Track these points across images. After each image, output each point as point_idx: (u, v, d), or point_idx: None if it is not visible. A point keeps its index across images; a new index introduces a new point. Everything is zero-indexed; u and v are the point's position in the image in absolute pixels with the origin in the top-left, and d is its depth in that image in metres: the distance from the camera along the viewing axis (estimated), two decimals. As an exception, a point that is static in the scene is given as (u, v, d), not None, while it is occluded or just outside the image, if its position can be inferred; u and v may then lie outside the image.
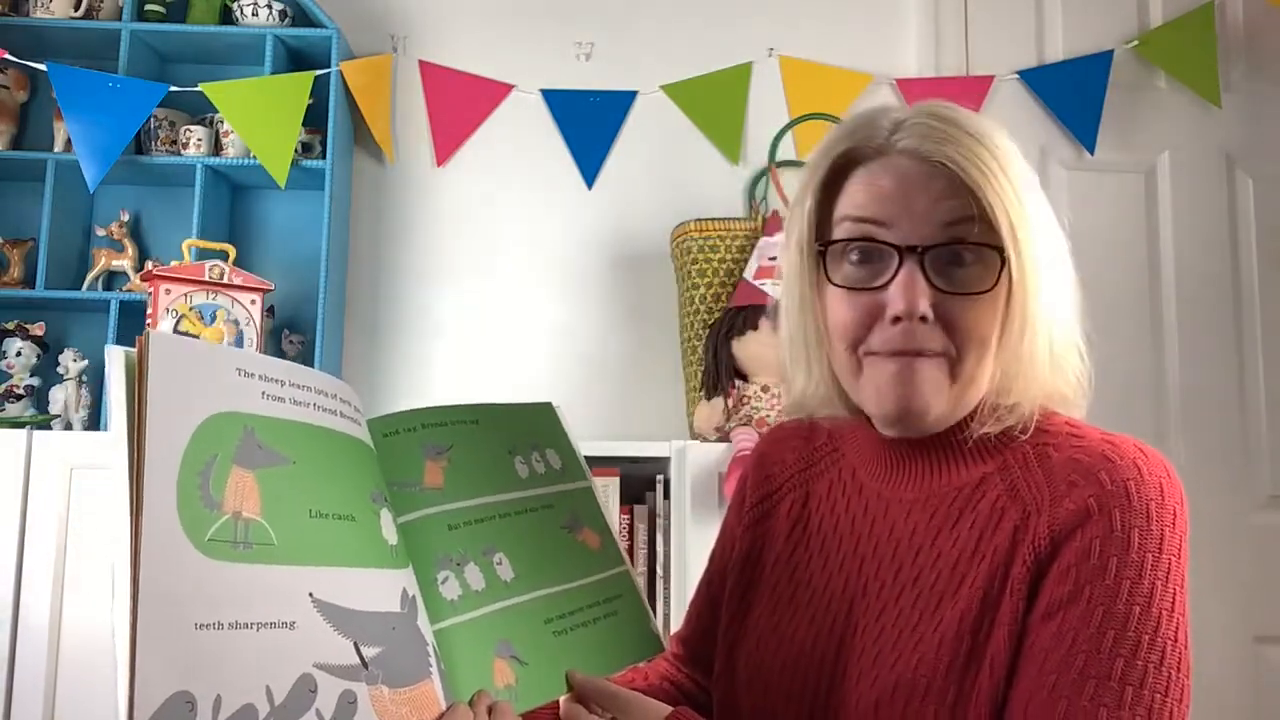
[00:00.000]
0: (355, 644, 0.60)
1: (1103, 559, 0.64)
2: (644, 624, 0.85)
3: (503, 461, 0.83)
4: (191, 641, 0.53)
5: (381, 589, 0.65)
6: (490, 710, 0.66)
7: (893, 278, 0.70)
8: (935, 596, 0.71)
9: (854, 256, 0.72)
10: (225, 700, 0.53)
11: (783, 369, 0.84)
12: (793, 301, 0.79)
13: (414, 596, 0.67)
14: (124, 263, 1.96)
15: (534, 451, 0.86)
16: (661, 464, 1.73)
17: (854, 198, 0.73)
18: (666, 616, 1.67)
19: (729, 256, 1.87)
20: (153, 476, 0.55)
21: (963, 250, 0.69)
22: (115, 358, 0.57)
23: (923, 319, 0.69)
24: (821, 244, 0.74)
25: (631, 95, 2.12)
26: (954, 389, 0.71)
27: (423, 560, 0.71)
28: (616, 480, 1.70)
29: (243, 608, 0.56)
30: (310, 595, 0.59)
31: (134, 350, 0.58)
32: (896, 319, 0.69)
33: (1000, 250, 0.68)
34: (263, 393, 0.63)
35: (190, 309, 1.73)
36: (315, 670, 0.57)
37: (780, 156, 2.05)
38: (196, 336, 1.73)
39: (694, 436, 1.83)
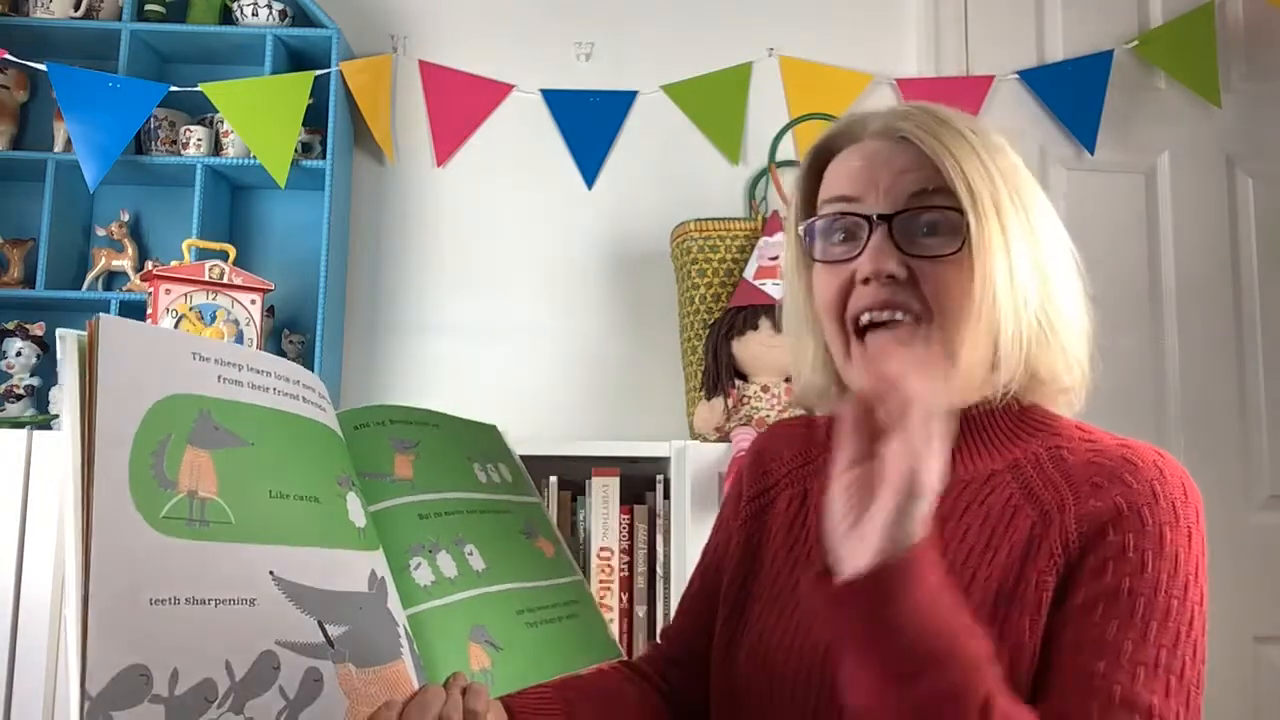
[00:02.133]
0: (319, 622, 0.60)
1: (1139, 553, 0.66)
2: (603, 629, 0.88)
3: (463, 464, 0.85)
4: (145, 616, 0.53)
5: (347, 569, 0.65)
6: (465, 691, 0.66)
7: (865, 247, 0.73)
8: None
9: (835, 236, 0.76)
10: (183, 673, 0.53)
11: (791, 362, 0.87)
12: (791, 290, 0.83)
13: (383, 578, 0.67)
14: (124, 263, 1.96)
15: (488, 463, 0.89)
16: (661, 464, 1.73)
17: (829, 181, 0.78)
18: (666, 616, 1.67)
19: (729, 256, 1.87)
20: (104, 456, 0.55)
21: (928, 216, 0.71)
22: (67, 341, 0.57)
23: (891, 278, 0.71)
24: (804, 226, 0.78)
25: (631, 95, 2.12)
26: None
27: (395, 547, 0.72)
28: (616, 480, 1.70)
29: (199, 584, 0.56)
30: (271, 573, 0.59)
31: (85, 334, 0.58)
32: (866, 280, 0.72)
33: (964, 214, 0.70)
34: (219, 376, 0.63)
35: (190, 309, 1.73)
36: (278, 647, 0.57)
37: (780, 156, 2.05)
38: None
39: (694, 436, 1.83)
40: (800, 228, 0.79)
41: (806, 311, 0.81)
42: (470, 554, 0.77)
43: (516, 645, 0.76)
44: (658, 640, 0.98)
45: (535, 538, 0.87)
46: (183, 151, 1.97)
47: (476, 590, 0.76)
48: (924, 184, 0.72)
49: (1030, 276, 0.72)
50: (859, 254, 0.73)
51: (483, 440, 0.91)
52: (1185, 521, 0.67)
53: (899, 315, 0.72)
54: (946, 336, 0.71)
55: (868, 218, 0.73)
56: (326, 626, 0.60)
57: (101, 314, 0.59)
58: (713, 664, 0.85)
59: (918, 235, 0.72)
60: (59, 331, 0.58)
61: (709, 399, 1.79)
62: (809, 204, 0.81)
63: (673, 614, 1.61)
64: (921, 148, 0.72)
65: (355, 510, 0.68)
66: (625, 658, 0.92)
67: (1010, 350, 0.71)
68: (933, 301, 0.71)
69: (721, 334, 1.79)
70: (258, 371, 0.66)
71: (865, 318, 0.74)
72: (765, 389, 1.76)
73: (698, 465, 1.67)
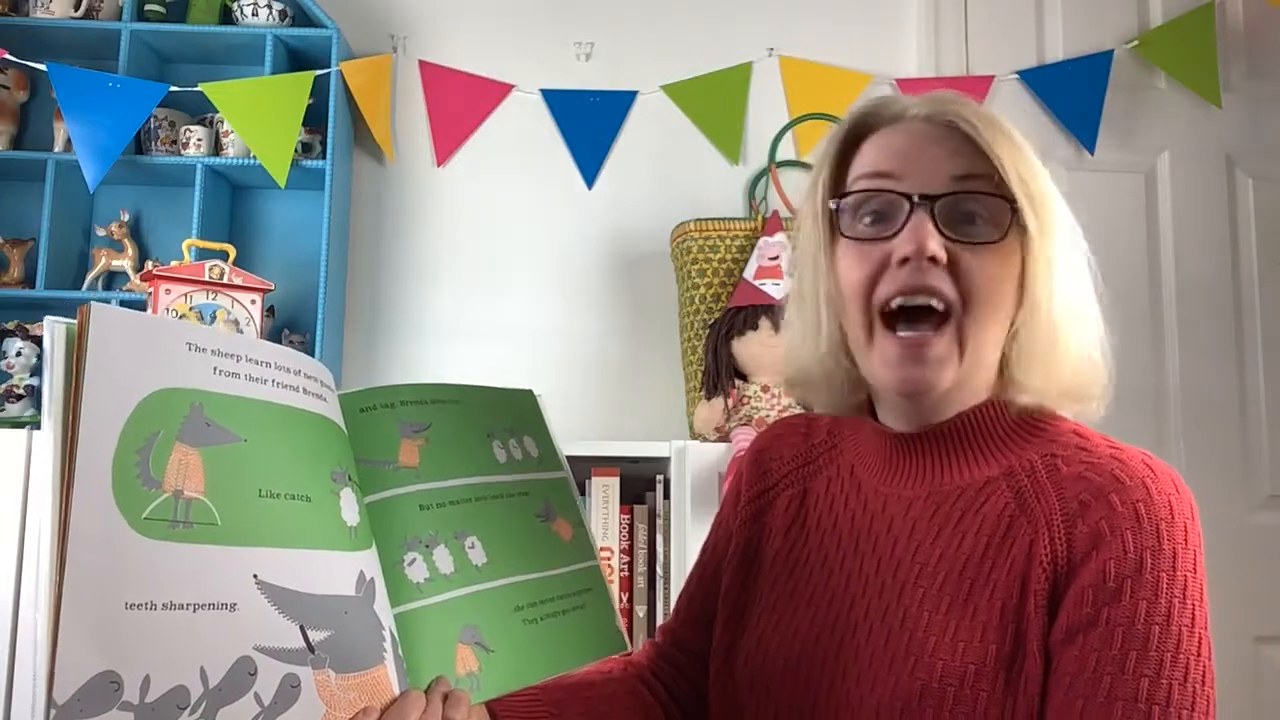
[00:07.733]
0: (301, 627, 0.58)
1: (1118, 581, 0.65)
2: (610, 621, 0.84)
3: (481, 444, 0.81)
4: (120, 621, 0.51)
5: (335, 571, 0.62)
6: (445, 698, 0.65)
7: (903, 226, 0.70)
8: (943, 599, 0.71)
9: (866, 218, 0.73)
10: (154, 681, 0.51)
11: (789, 348, 0.83)
12: (808, 271, 0.79)
13: (371, 580, 0.65)
14: (124, 263, 1.96)
15: (512, 437, 0.84)
16: (661, 464, 1.73)
17: (866, 157, 0.75)
18: (666, 616, 1.67)
19: (729, 256, 1.87)
20: (87, 453, 0.53)
21: (973, 203, 0.70)
22: (55, 331, 0.54)
23: (932, 260, 0.69)
24: (835, 200, 0.75)
25: (631, 95, 2.12)
26: (962, 360, 0.71)
27: (390, 541, 0.69)
28: (616, 480, 1.69)
29: (179, 588, 0.54)
30: (254, 577, 0.57)
31: (74, 323, 0.55)
32: (905, 260, 0.70)
33: (1012, 202, 0.69)
34: (214, 368, 0.60)
35: (190, 309, 1.73)
36: (255, 653, 0.55)
37: (780, 156, 2.05)
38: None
39: (694, 436, 1.83)
40: (832, 202, 0.75)
41: (829, 293, 0.77)
42: (471, 547, 0.75)
43: (510, 647, 0.73)
44: (653, 638, 0.98)
45: (552, 520, 0.84)
46: (183, 151, 1.97)
47: (473, 587, 0.73)
48: (968, 168, 0.70)
49: (1062, 275, 0.72)
50: (895, 234, 0.71)
51: (513, 411, 0.87)
52: (1170, 543, 0.65)
53: (933, 302, 0.70)
54: (972, 331, 0.70)
55: (909, 197, 0.70)
56: (309, 631, 0.58)
57: (94, 302, 0.55)
58: (712, 666, 0.85)
59: (960, 221, 0.70)
60: (46, 320, 0.55)
61: (709, 399, 1.79)
62: (837, 181, 0.77)
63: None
64: (972, 135, 0.70)
65: (349, 508, 0.66)
66: (630, 650, 0.91)
67: (1032, 349, 0.71)
68: (968, 291, 0.69)
69: (721, 334, 1.79)
70: (256, 362, 0.63)
71: (896, 302, 0.71)
72: (765, 389, 1.76)
73: (698, 465, 1.67)
